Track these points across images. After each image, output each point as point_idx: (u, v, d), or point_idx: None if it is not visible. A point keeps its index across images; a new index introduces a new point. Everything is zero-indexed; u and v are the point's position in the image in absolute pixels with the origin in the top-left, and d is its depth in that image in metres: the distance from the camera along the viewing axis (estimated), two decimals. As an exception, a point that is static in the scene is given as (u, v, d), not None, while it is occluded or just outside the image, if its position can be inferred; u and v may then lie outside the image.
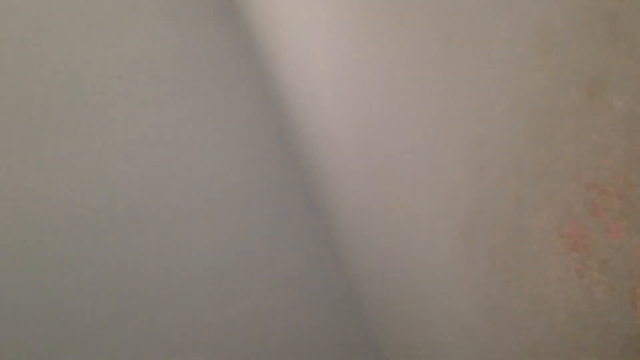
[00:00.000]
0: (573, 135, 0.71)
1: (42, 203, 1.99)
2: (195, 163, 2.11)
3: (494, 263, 0.99)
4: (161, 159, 2.10)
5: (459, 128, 0.97)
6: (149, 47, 2.15)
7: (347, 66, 1.39)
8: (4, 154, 2.00)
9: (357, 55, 1.30)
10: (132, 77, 2.11)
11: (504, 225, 0.92)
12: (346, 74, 1.42)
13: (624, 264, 0.67)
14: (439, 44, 0.95)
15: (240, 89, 2.17)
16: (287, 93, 2.02)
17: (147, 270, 2.02)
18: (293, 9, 1.64)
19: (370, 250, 1.76)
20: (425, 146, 1.13)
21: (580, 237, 0.75)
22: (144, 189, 2.06)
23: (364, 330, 2.08)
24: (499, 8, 0.75)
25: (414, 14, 0.99)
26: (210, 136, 2.14)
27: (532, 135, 0.78)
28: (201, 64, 2.16)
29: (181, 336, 2.02)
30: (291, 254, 2.12)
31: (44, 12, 2.11)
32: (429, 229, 1.25)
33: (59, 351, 1.92)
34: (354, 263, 1.98)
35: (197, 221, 2.07)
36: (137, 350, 1.98)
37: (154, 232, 2.04)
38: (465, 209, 1.03)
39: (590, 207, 0.71)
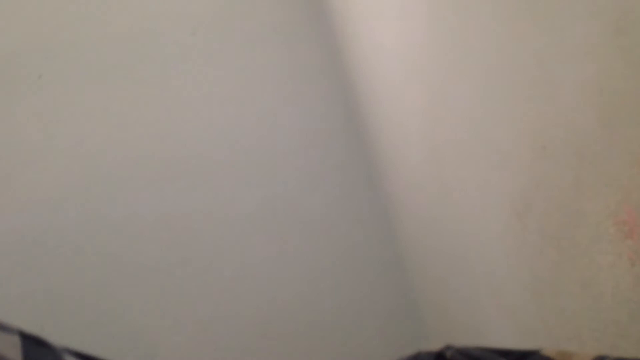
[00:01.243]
0: (638, 121, 0.70)
1: (114, 148, 2.07)
2: (260, 122, 2.15)
3: (546, 244, 0.98)
4: (227, 113, 2.14)
5: (524, 106, 0.96)
6: (222, 4, 2.18)
7: (416, 36, 1.38)
8: (80, 100, 2.09)
9: (425, 26, 1.29)
10: (205, 33, 2.15)
11: (560, 207, 0.91)
12: (416, 43, 1.41)
13: (678, 254, 0.66)
14: (506, 20, 0.93)
15: (309, 53, 2.19)
16: (356, 66, 2.02)
17: (210, 217, 2.09)
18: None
19: (424, 224, 1.76)
20: (488, 122, 1.12)
21: (636, 224, 0.74)
22: (209, 140, 2.12)
23: (409, 303, 2.10)
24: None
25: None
26: (276, 96, 2.17)
27: (597, 117, 0.77)
28: (271, 25, 2.18)
29: (231, 288, 2.09)
30: (346, 223, 2.14)
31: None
32: (484, 205, 1.24)
33: (118, 293, 2.02)
34: (406, 235, 2.00)
35: (256, 174, 2.12)
36: (192, 296, 2.06)
37: (217, 182, 2.10)
38: (523, 188, 1.03)
39: (650, 194, 0.70)
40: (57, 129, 2.09)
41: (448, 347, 0.71)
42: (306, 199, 2.15)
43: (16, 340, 0.51)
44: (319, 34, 2.19)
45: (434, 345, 0.73)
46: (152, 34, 2.15)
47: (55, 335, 0.62)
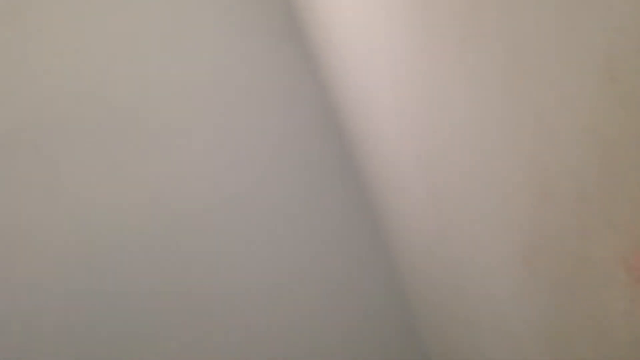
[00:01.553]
0: (639, 165, 0.69)
1: (116, 216, 2.07)
2: (260, 178, 2.15)
3: (557, 292, 0.97)
4: (229, 169, 2.15)
5: (522, 154, 0.96)
6: (215, 66, 2.21)
7: (410, 82, 1.39)
8: (81, 171, 2.09)
9: (418, 74, 1.30)
10: (202, 95, 2.17)
11: (567, 253, 0.90)
12: (408, 90, 1.42)
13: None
14: (502, 69, 0.94)
15: (302, 111, 2.21)
16: (349, 117, 2.03)
17: (214, 271, 2.08)
18: (357, 37, 1.66)
19: (426, 268, 1.75)
20: (487, 170, 1.12)
21: (647, 270, 0.73)
22: (213, 195, 2.12)
23: (415, 346, 2.07)
24: (564, 34, 0.75)
25: (476, 39, 0.98)
26: (272, 156, 2.18)
27: (597, 162, 0.77)
28: (265, 87, 2.20)
29: (237, 339, 2.06)
30: (347, 263, 2.13)
31: (123, 38, 2.20)
32: (490, 253, 1.23)
33: (129, 344, 1.99)
34: (409, 278, 1.97)
35: (264, 228, 2.12)
36: (196, 349, 2.02)
37: (224, 236, 2.10)
38: (528, 236, 1.02)
39: (659, 239, 0.69)
40: (57, 200, 2.08)
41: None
42: (305, 246, 2.14)
43: None
44: (311, 95, 2.21)
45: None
46: (150, 103, 2.17)
47: None
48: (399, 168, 1.69)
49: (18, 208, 2.06)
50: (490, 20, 0.92)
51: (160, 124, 2.17)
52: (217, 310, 2.10)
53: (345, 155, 2.19)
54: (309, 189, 2.17)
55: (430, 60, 1.22)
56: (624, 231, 0.75)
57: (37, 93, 2.13)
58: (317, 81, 2.22)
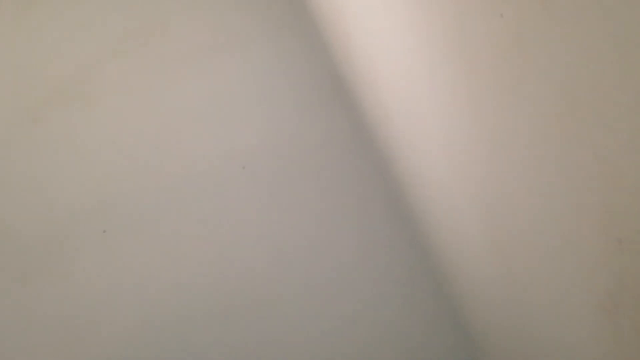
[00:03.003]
0: None
1: (179, 293, 2.09)
2: (313, 250, 2.15)
3: (642, 342, 0.91)
4: (281, 245, 2.16)
5: (592, 198, 0.93)
6: (268, 136, 2.26)
7: (463, 134, 1.39)
8: (142, 250, 2.14)
9: (472, 121, 1.30)
10: (255, 166, 2.22)
11: (651, 301, 0.86)
12: (462, 140, 1.41)
13: None
14: (560, 106, 0.93)
15: (354, 171, 2.22)
16: (398, 171, 2.03)
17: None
18: (401, 92, 1.68)
19: (491, 313, 1.69)
20: (557, 216, 1.09)
21: None
22: (268, 275, 2.12)
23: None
24: (619, 75, 0.73)
25: (532, 76, 0.98)
26: (328, 213, 2.18)
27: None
28: (317, 150, 2.24)
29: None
30: (409, 314, 2.08)
31: (173, 113, 2.28)
32: (562, 300, 1.18)
33: None
34: (474, 325, 1.91)
35: (314, 302, 2.10)
36: None
37: (272, 315, 2.09)
38: (605, 284, 0.97)
39: None
40: (121, 282, 2.13)
41: None
42: (372, 303, 2.11)
43: None
44: (362, 154, 2.23)
45: None
46: (205, 175, 2.23)
47: None
48: (458, 214, 1.67)
49: (87, 288, 2.12)
50: (542, 59, 0.92)
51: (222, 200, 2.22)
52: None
53: (402, 203, 2.17)
54: (367, 246, 2.16)
55: (480, 97, 1.22)
56: None
57: (95, 174, 2.22)
58: (370, 137, 2.24)
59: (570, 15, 0.81)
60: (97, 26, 2.36)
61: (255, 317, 2.09)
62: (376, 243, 2.15)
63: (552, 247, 1.15)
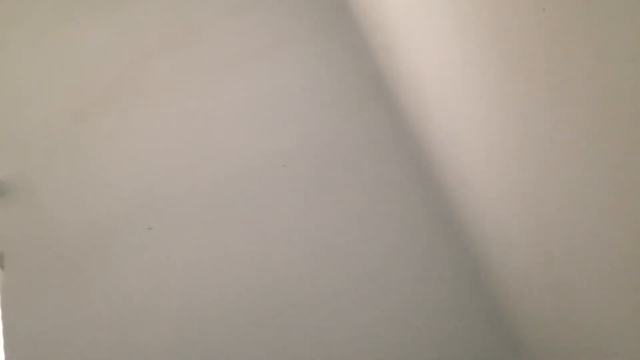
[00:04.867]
0: None
1: (223, 293, 2.11)
2: (357, 250, 2.14)
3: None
4: (322, 245, 2.15)
5: (634, 204, 0.91)
6: (309, 136, 2.26)
7: (506, 146, 1.36)
8: (187, 248, 2.17)
9: (516, 134, 1.27)
10: (296, 165, 2.22)
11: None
12: (505, 153, 1.39)
13: None
14: (600, 119, 0.90)
15: (394, 171, 2.20)
16: (440, 172, 2.01)
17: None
18: (443, 93, 1.66)
19: (539, 321, 1.65)
20: (602, 222, 1.06)
21: None
22: (305, 274, 2.12)
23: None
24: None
25: (571, 88, 0.95)
26: (368, 213, 2.17)
27: None
28: (357, 150, 2.23)
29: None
30: (453, 321, 2.05)
31: (216, 114, 2.31)
32: (612, 310, 1.15)
33: None
34: (518, 333, 1.87)
35: (353, 302, 2.09)
36: None
37: (313, 316, 2.08)
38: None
39: None
40: (167, 281, 2.16)
41: None
42: (412, 303, 2.09)
43: None
44: (403, 155, 2.21)
45: None
46: (247, 173, 2.24)
47: None
48: (503, 223, 1.64)
49: (132, 286, 2.16)
50: (587, 58, 0.90)
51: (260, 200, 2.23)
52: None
53: (441, 203, 2.15)
54: (407, 246, 2.14)
55: (523, 110, 1.20)
56: None
57: (141, 173, 2.25)
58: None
59: (616, 11, 0.79)
60: (141, 29, 2.41)
61: (295, 317, 2.09)
62: (416, 244, 2.13)
63: (600, 260, 1.12)
